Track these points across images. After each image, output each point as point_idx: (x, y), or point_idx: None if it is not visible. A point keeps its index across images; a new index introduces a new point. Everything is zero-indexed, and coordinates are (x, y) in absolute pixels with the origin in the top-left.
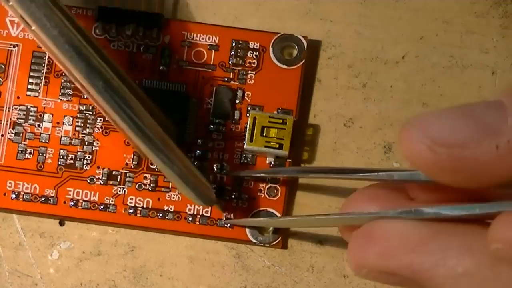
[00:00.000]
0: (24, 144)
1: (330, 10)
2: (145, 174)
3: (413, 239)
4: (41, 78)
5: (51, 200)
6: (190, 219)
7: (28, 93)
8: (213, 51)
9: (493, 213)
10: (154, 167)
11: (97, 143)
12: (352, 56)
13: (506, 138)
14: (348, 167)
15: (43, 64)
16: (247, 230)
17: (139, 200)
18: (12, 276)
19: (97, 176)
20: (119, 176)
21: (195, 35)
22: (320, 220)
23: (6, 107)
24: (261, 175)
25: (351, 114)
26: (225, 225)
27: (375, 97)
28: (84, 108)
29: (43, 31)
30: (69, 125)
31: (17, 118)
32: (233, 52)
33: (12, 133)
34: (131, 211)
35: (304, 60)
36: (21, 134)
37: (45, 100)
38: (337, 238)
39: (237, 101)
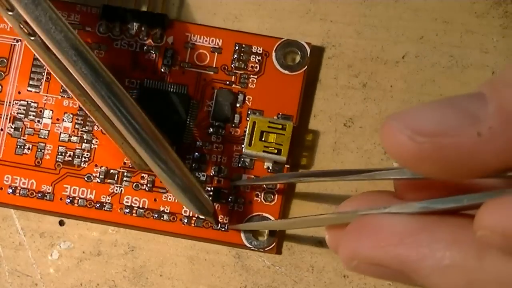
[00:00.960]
0: (23, 139)
1: (330, 10)
2: (142, 174)
3: (402, 232)
4: (43, 74)
5: (48, 196)
6: (186, 221)
7: (29, 88)
8: (216, 53)
9: (480, 204)
10: None
11: (96, 141)
12: (352, 56)
13: (487, 124)
14: (341, 169)
15: None
16: (242, 234)
17: (135, 200)
18: (12, 276)
19: (94, 174)
20: (116, 175)
21: (198, 37)
22: (317, 220)
23: (6, 102)
24: (259, 183)
25: (351, 114)
26: (221, 228)
27: (375, 97)
28: None
29: (47, 36)
30: (68, 122)
31: (17, 113)
32: (235, 56)
33: (11, 127)
34: (127, 210)
35: (306, 66)
36: (20, 129)
37: (46, 96)
38: None
39: (238, 105)
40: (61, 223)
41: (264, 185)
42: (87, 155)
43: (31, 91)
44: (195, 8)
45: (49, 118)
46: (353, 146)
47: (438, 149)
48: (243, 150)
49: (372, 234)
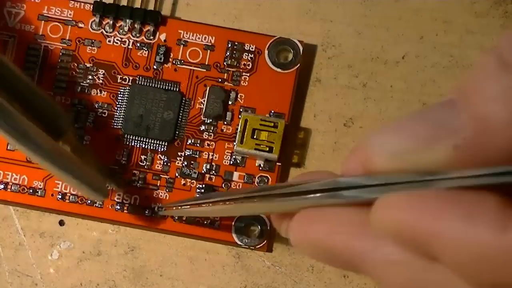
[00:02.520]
0: None
1: (330, 10)
2: (134, 171)
3: (354, 222)
4: (36, 70)
5: (39, 192)
6: (176, 218)
7: None
8: (209, 51)
9: None
10: (144, 164)
11: (88, 138)
12: (352, 56)
13: (462, 135)
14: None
15: (38, 56)
16: (233, 232)
17: (127, 196)
18: (12, 276)
19: None
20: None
21: (191, 34)
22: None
23: None
24: (190, 203)
25: (351, 114)
26: (212, 225)
27: (375, 97)
28: (77, 102)
29: None
30: None
31: None
32: (228, 53)
33: None
34: (118, 207)
35: (299, 65)
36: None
37: None
38: None
39: (230, 102)
40: (61, 223)
41: (256, 183)
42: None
43: None
44: (195, 8)
45: None
46: (353, 146)
47: (414, 164)
48: (234, 148)
49: (323, 220)
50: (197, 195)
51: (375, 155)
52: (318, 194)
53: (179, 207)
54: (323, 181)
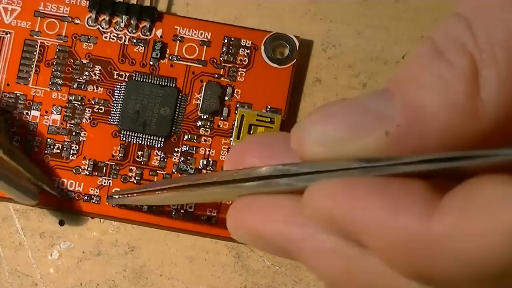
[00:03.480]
0: (12, 131)
1: (330, 10)
2: (130, 167)
3: (290, 209)
4: (32, 66)
5: None
6: (174, 213)
7: (18, 80)
8: (205, 47)
9: None
10: (140, 160)
11: (85, 134)
12: (352, 56)
13: (395, 122)
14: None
15: (35, 53)
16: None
17: None
18: (12, 276)
19: (82, 167)
20: (104, 168)
21: (187, 30)
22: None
23: None
24: (138, 191)
25: None
26: (209, 221)
27: None
28: (73, 98)
29: None
30: (57, 114)
31: (6, 105)
32: (224, 49)
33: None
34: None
35: (295, 60)
36: (9, 121)
37: (35, 88)
38: None
39: (226, 98)
40: (61, 223)
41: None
42: (75, 147)
43: (20, 83)
44: (195, 8)
45: (37, 111)
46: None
47: (349, 153)
48: (231, 143)
49: (259, 207)
50: (147, 183)
51: (307, 143)
52: (254, 182)
53: (128, 195)
54: (260, 169)
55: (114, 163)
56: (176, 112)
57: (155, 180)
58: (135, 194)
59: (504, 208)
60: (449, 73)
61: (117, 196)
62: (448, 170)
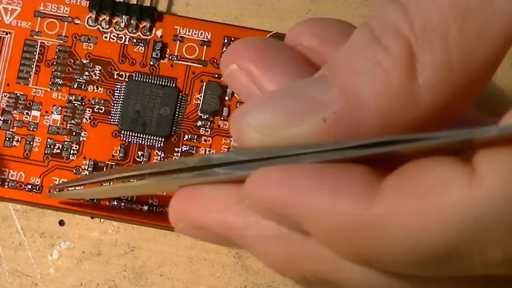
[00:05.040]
0: (12, 131)
1: (330, 10)
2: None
3: (230, 198)
4: (32, 66)
5: (36, 188)
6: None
7: (18, 80)
8: (205, 47)
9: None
10: (141, 160)
11: (85, 134)
12: None
13: (332, 109)
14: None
15: (35, 53)
16: None
17: None
18: (12, 276)
19: (83, 167)
20: (105, 168)
21: (187, 30)
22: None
23: None
24: (80, 183)
25: None
26: None
27: None
28: (73, 98)
29: None
30: (57, 114)
31: (6, 105)
32: (224, 49)
33: (0, 120)
34: (115, 203)
35: None
36: (9, 122)
37: (35, 88)
38: None
39: (226, 98)
40: (61, 223)
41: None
42: (75, 147)
43: (20, 83)
44: (195, 8)
45: (38, 111)
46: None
47: (285, 140)
48: (231, 143)
49: (200, 198)
50: (86, 174)
51: (244, 130)
52: (193, 172)
53: (69, 188)
54: (198, 158)
55: (114, 163)
56: (176, 112)
57: None
58: (72, 188)
59: (442, 189)
60: (385, 59)
61: (56, 190)
62: (388, 154)
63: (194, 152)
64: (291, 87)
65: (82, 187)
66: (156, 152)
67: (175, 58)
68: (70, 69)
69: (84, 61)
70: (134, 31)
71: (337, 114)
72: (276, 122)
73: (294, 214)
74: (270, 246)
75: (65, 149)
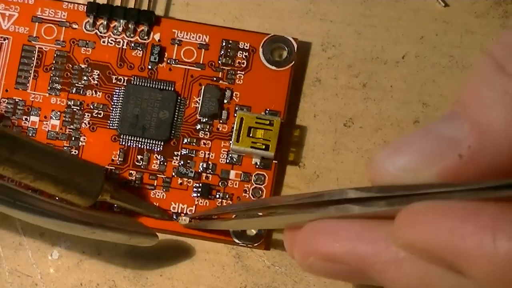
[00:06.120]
0: None
1: (330, 10)
2: (130, 171)
3: (359, 227)
4: (30, 71)
5: (36, 193)
6: (174, 217)
7: (17, 86)
8: (203, 50)
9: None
10: (140, 164)
11: (84, 139)
12: (352, 56)
13: (466, 144)
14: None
15: (33, 58)
16: (230, 230)
17: None
18: (12, 276)
19: None
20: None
21: (185, 33)
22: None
23: None
24: (209, 213)
25: (351, 114)
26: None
27: (375, 97)
28: (72, 103)
29: None
30: (56, 119)
31: (5, 111)
32: (223, 52)
33: None
34: (116, 206)
35: (293, 62)
36: (8, 127)
37: (34, 94)
38: None
39: (225, 101)
40: None
41: (253, 181)
42: (75, 152)
43: (18, 89)
44: (195, 8)
45: (36, 116)
46: (353, 146)
47: (425, 178)
48: (231, 146)
49: (330, 230)
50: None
51: (384, 176)
52: (328, 207)
53: (200, 220)
54: (331, 193)
55: (113, 168)
56: (175, 116)
57: (154, 183)
58: (204, 219)
59: None
60: None
61: (188, 221)
62: None
63: (193, 155)
64: (424, 128)
65: (216, 216)
66: (156, 156)
67: (173, 62)
68: (69, 74)
69: (82, 66)
70: (132, 35)
71: (472, 148)
72: (417, 165)
73: (451, 257)
74: (403, 269)
75: None
